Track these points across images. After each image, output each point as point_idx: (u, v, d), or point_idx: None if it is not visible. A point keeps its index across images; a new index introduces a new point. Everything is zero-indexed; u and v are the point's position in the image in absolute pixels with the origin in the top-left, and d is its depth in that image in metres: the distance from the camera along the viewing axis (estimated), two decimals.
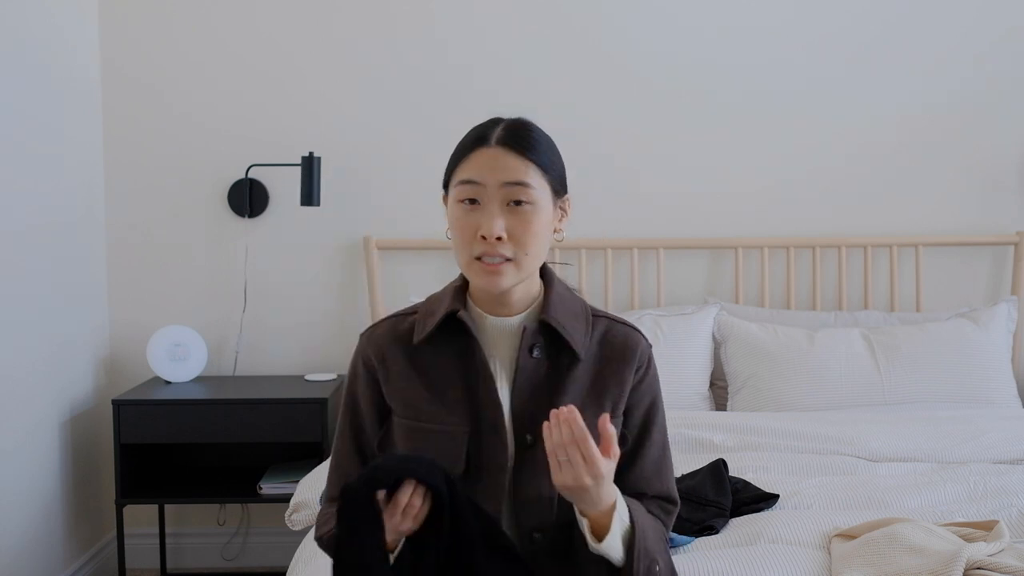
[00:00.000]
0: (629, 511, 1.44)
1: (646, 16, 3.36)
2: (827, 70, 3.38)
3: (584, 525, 1.42)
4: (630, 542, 1.42)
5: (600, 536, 1.40)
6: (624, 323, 1.58)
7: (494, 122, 1.50)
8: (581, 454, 1.32)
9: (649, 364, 1.56)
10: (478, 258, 1.45)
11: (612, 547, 1.41)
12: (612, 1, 3.36)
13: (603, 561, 1.43)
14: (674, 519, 1.58)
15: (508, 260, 1.44)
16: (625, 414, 1.54)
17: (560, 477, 1.35)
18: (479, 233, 1.43)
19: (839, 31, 3.37)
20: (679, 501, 1.59)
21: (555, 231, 1.51)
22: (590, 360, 1.53)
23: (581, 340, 1.51)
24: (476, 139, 1.47)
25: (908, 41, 3.37)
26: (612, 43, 3.37)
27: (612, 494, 1.40)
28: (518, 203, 1.44)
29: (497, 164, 1.44)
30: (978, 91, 3.39)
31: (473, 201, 1.45)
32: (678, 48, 3.37)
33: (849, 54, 3.37)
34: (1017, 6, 3.37)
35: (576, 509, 1.42)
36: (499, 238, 1.43)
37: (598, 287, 3.34)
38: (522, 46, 3.36)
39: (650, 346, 1.58)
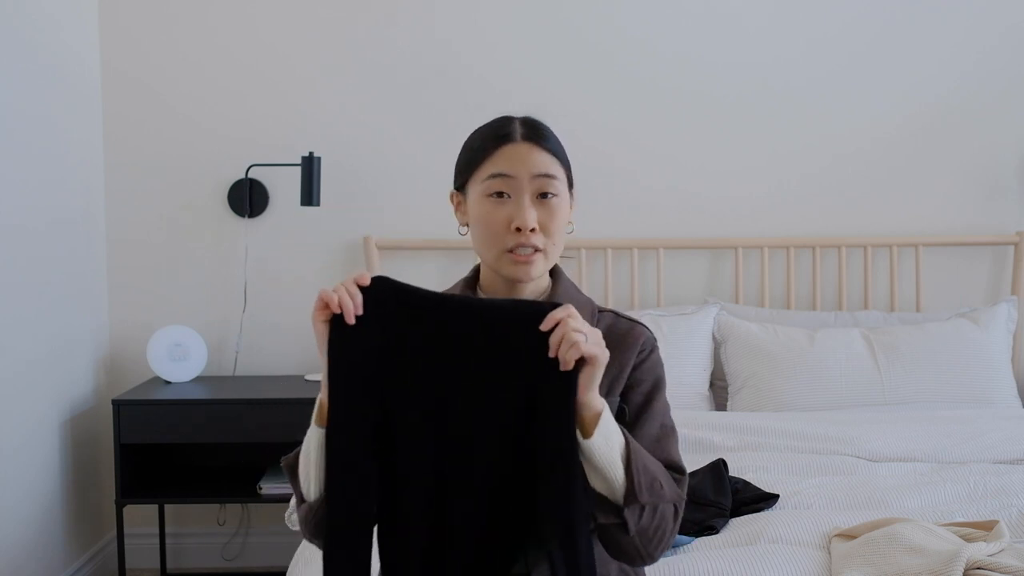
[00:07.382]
0: (623, 434, 1.38)
1: (646, 16, 3.36)
2: (827, 70, 3.38)
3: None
4: (627, 458, 1.36)
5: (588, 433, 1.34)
6: (629, 318, 1.59)
7: (507, 120, 1.53)
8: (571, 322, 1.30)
9: (652, 351, 1.56)
10: (509, 250, 1.48)
11: (602, 446, 1.34)
12: (612, 1, 3.36)
13: (600, 500, 1.38)
14: (685, 489, 1.50)
15: (539, 251, 1.49)
16: (626, 393, 1.53)
17: (585, 348, 1.29)
18: (513, 225, 1.47)
19: (839, 31, 3.37)
20: (686, 471, 1.53)
21: (567, 222, 1.56)
22: None
23: None
24: (499, 136, 1.50)
25: (908, 41, 3.37)
26: (612, 43, 3.37)
27: (599, 400, 1.35)
28: (545, 195, 1.48)
29: (528, 158, 1.48)
30: (978, 91, 3.39)
31: (501, 195, 1.48)
32: (678, 48, 3.37)
33: (849, 54, 3.37)
34: (1017, 6, 3.37)
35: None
36: (532, 229, 1.47)
37: (598, 287, 3.34)
38: (522, 46, 3.36)
39: (655, 338, 1.58)
